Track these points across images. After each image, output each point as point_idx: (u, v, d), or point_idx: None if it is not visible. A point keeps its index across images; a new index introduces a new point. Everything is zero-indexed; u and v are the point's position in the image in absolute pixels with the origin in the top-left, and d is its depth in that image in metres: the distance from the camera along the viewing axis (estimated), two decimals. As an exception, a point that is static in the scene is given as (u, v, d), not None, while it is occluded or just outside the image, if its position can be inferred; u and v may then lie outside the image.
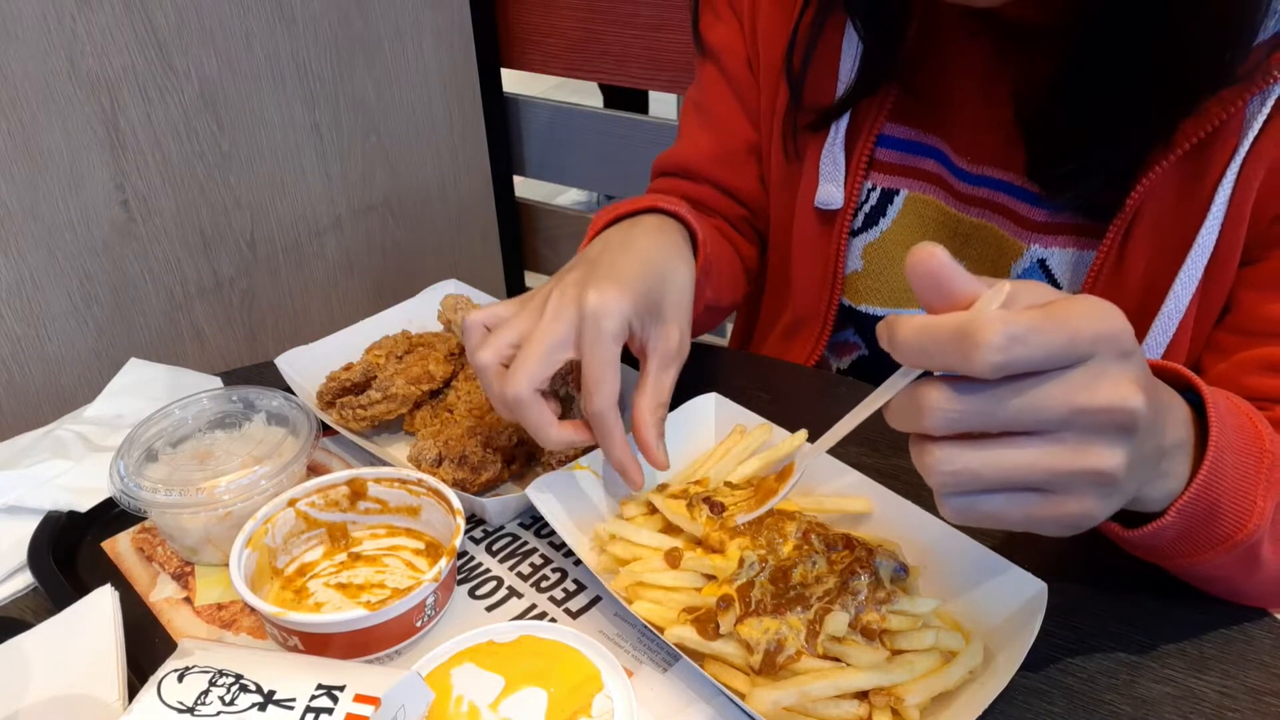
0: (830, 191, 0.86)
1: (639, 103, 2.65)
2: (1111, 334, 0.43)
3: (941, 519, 0.63)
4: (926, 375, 0.45)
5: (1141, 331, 0.73)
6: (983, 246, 0.82)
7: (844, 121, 0.84)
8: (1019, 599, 0.58)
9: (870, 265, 0.88)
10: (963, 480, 0.45)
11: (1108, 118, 0.69)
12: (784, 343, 0.97)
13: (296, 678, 0.50)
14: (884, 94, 0.83)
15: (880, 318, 0.89)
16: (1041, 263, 0.78)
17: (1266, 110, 0.65)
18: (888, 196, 0.86)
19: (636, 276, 0.66)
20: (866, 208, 0.87)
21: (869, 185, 0.86)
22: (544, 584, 0.66)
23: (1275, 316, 0.69)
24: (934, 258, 0.42)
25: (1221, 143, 0.67)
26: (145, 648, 0.61)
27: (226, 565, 0.62)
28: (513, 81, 1.97)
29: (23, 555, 0.68)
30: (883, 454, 0.75)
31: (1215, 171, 0.68)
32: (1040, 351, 0.41)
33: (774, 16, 0.87)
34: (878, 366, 0.94)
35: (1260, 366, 0.69)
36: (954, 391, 0.43)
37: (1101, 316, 0.43)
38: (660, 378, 0.67)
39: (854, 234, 0.88)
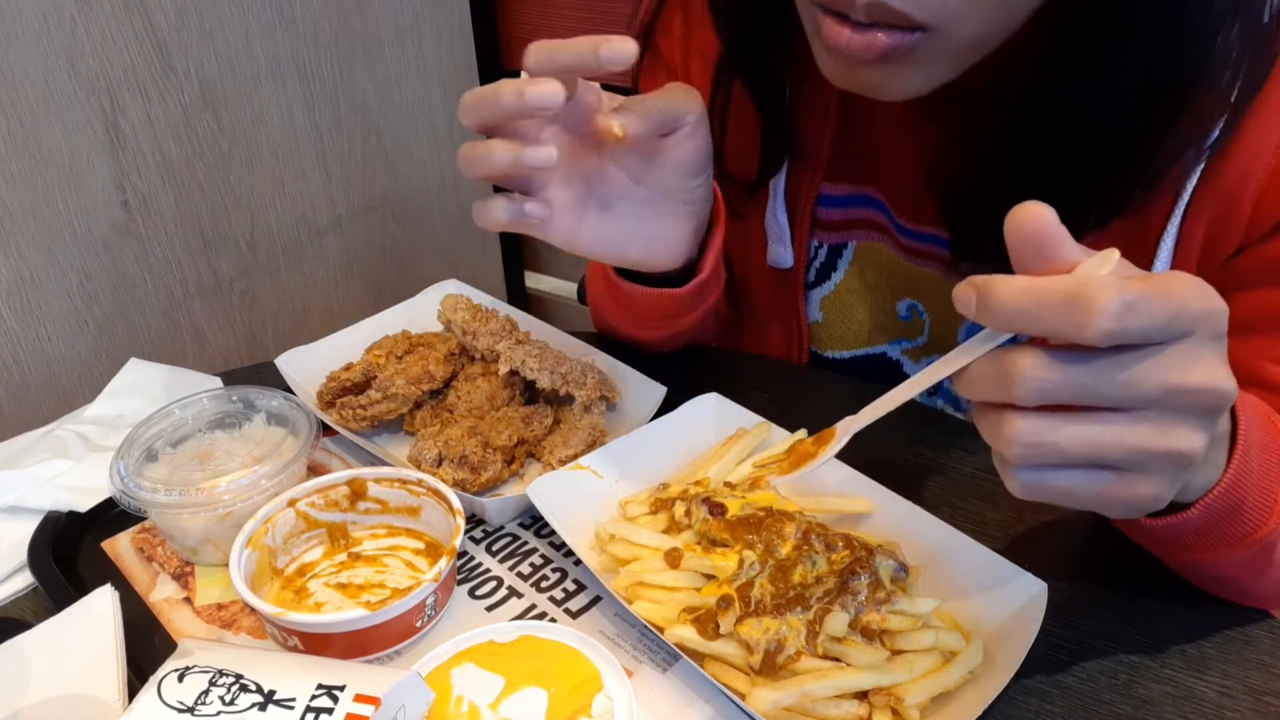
0: (779, 252, 0.86)
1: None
2: (1213, 312, 0.42)
3: (945, 521, 0.63)
4: (1009, 343, 0.43)
5: None
6: (934, 289, 0.82)
7: (781, 186, 0.84)
8: (1019, 599, 0.58)
9: (830, 316, 0.88)
10: (1044, 454, 0.43)
11: (1025, 196, 0.67)
12: None
13: (296, 678, 0.50)
14: (816, 156, 0.82)
15: (847, 360, 0.90)
16: None
17: (1203, 159, 0.64)
18: (836, 251, 0.86)
19: None
20: (817, 264, 0.87)
21: (815, 243, 0.86)
22: (544, 584, 0.66)
23: (1247, 365, 0.66)
24: (1041, 218, 0.41)
25: (1158, 197, 0.66)
26: (145, 648, 0.61)
27: (226, 565, 0.62)
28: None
29: (23, 555, 0.68)
30: (883, 453, 0.75)
31: (1156, 226, 0.67)
32: (1150, 322, 0.40)
33: (704, 77, 0.85)
34: None
35: None
36: (1051, 360, 0.41)
37: (1205, 293, 0.42)
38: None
39: (809, 288, 0.88)
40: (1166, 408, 0.42)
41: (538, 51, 0.59)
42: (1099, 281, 0.39)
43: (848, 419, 0.55)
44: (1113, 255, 0.41)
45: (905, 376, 0.88)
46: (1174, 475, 0.45)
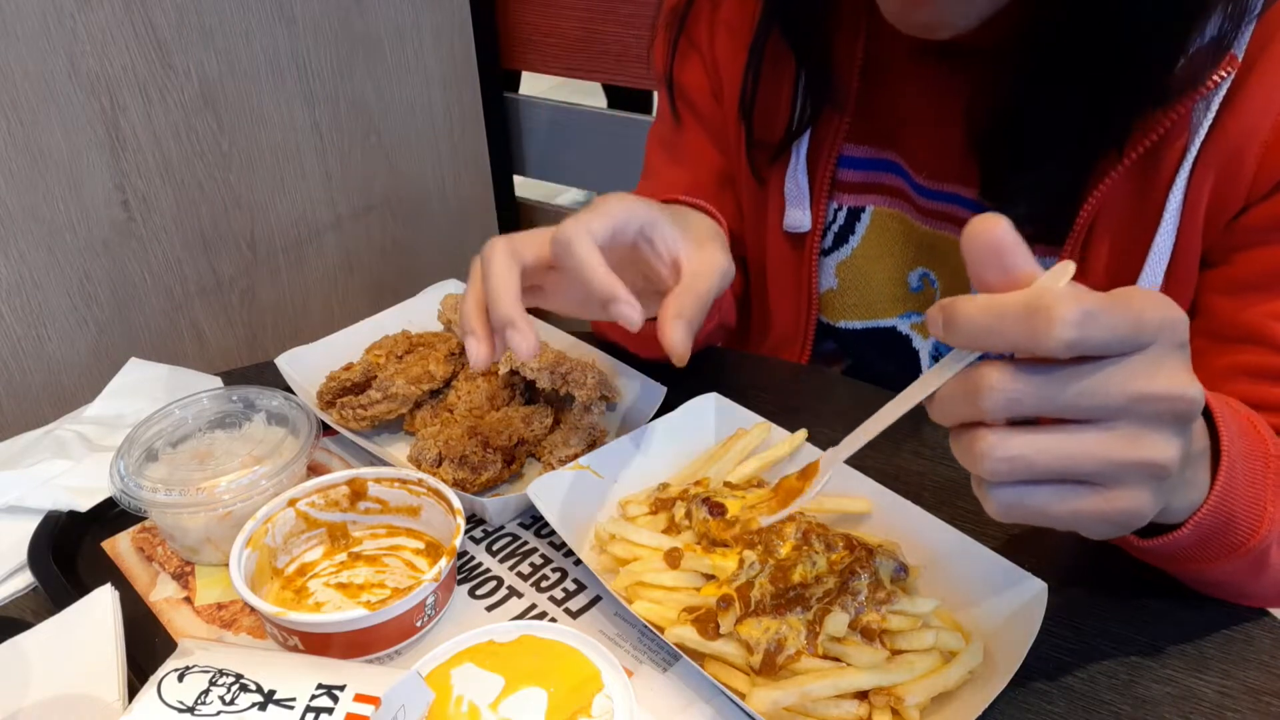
0: (797, 215, 0.87)
1: (642, 102, 2.65)
2: (1173, 322, 0.42)
3: (944, 521, 0.63)
4: (978, 362, 0.44)
5: None
6: (947, 256, 0.83)
7: (804, 146, 0.85)
8: (1019, 599, 0.58)
9: (845, 282, 0.89)
10: (1016, 468, 0.43)
11: (1051, 132, 0.70)
12: None
13: (296, 677, 0.50)
14: (840, 116, 0.83)
15: (859, 331, 0.90)
16: None
17: (1211, 115, 0.65)
18: (854, 214, 0.87)
19: (645, 205, 0.63)
20: (835, 227, 0.88)
21: (834, 206, 0.87)
22: (544, 584, 0.66)
23: (1249, 323, 0.68)
24: (998, 228, 0.42)
25: (1169, 149, 0.68)
26: (145, 648, 0.61)
27: (226, 565, 0.62)
28: (511, 81, 1.97)
29: (23, 555, 0.68)
30: (883, 453, 0.75)
31: (1165, 178, 0.68)
32: (1110, 333, 0.40)
33: (729, 49, 0.87)
34: (866, 377, 0.94)
35: (1238, 373, 0.68)
36: (1015, 371, 0.42)
37: (1164, 304, 0.42)
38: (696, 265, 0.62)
39: (825, 253, 0.89)
40: (1134, 416, 0.42)
41: (562, 247, 0.59)
42: (1057, 292, 0.40)
43: (830, 451, 0.55)
44: (1069, 268, 0.42)
45: (913, 351, 0.90)
46: (1153, 488, 0.44)
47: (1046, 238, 0.75)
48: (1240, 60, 0.64)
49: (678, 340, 0.60)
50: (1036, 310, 0.40)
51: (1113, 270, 0.73)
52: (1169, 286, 0.71)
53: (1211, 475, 0.52)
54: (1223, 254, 0.70)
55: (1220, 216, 0.68)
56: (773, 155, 0.86)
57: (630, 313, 0.58)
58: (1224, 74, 0.64)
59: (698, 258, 0.63)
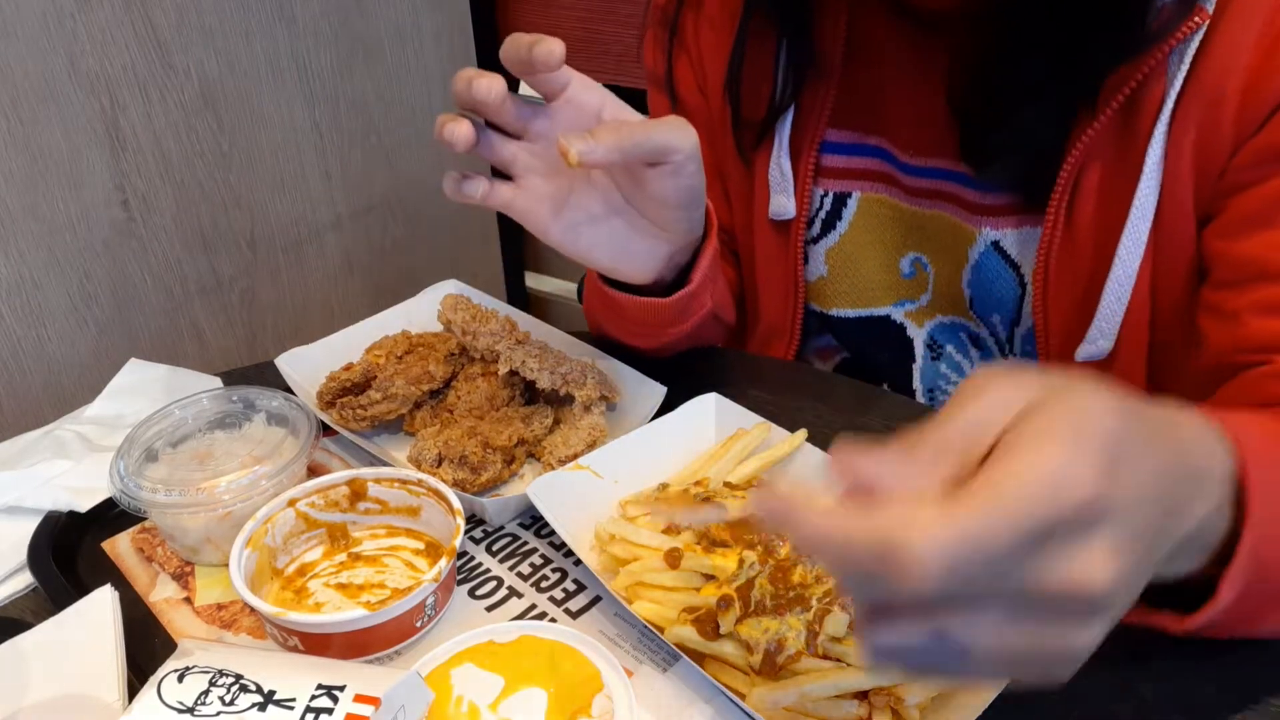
0: (782, 202, 0.87)
1: (642, 102, 2.65)
2: (1065, 514, 0.33)
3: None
4: None
5: (1095, 298, 0.73)
6: (938, 235, 0.83)
7: (786, 133, 0.85)
8: (1019, 599, 0.58)
9: (835, 269, 0.89)
10: (902, 662, 0.37)
11: (1025, 86, 0.70)
12: (760, 354, 0.97)
13: (296, 678, 0.50)
14: (822, 101, 0.84)
15: (852, 320, 0.90)
16: (995, 244, 0.79)
17: (1185, 66, 0.66)
18: (841, 200, 0.87)
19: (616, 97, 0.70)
20: (822, 214, 0.88)
21: (820, 192, 0.87)
22: (544, 584, 0.66)
23: (1249, 255, 0.67)
24: (851, 468, 0.34)
25: (1146, 101, 0.68)
26: (145, 648, 0.61)
27: (226, 565, 0.62)
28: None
29: (23, 555, 0.68)
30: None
31: (1144, 131, 0.69)
32: (982, 568, 0.32)
33: (712, 40, 0.88)
34: (862, 369, 0.94)
35: (1256, 310, 0.66)
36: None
37: (1055, 494, 0.33)
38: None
39: (814, 241, 0.89)
40: (1031, 611, 0.35)
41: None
42: (912, 535, 0.31)
43: None
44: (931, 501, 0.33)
45: (908, 340, 0.91)
46: (1071, 657, 0.38)
47: (1029, 202, 0.76)
48: (1209, 12, 0.64)
49: (571, 140, 0.63)
50: (888, 558, 0.31)
51: (1100, 230, 0.73)
52: (1156, 242, 0.71)
53: (1239, 527, 0.46)
54: (1219, 204, 0.70)
55: (1210, 169, 0.68)
56: (758, 133, 0.87)
57: (551, 47, 0.64)
58: (1195, 23, 0.64)
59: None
